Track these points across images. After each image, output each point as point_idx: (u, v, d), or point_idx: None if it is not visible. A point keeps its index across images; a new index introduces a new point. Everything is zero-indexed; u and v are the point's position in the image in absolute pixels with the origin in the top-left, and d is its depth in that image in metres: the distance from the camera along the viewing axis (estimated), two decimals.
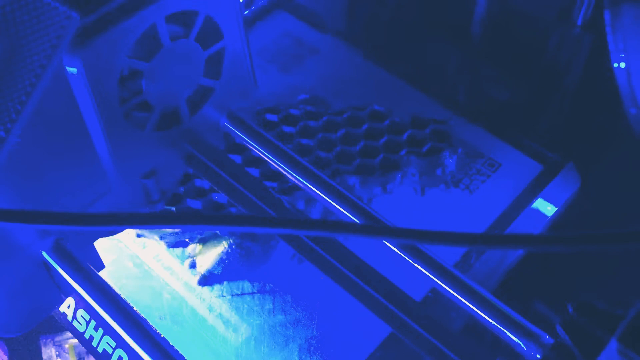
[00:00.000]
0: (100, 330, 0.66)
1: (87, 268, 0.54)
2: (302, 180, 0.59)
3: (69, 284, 0.54)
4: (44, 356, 0.87)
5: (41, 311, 0.59)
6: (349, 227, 0.37)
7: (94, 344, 0.66)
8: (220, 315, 0.67)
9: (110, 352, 0.65)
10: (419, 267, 0.55)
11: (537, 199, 0.74)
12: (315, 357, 0.64)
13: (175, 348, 0.51)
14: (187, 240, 0.72)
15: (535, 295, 0.77)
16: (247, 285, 0.69)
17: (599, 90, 0.50)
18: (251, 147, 0.62)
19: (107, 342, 0.65)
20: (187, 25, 0.55)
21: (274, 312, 0.67)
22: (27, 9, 0.40)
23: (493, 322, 0.51)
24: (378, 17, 0.99)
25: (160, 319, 0.68)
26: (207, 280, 0.69)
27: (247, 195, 0.60)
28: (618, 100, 0.50)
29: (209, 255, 0.70)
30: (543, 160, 0.77)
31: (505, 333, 0.50)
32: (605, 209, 0.76)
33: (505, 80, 0.89)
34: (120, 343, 0.52)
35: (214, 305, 0.68)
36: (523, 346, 0.48)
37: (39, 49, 0.40)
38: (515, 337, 0.49)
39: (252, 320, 0.66)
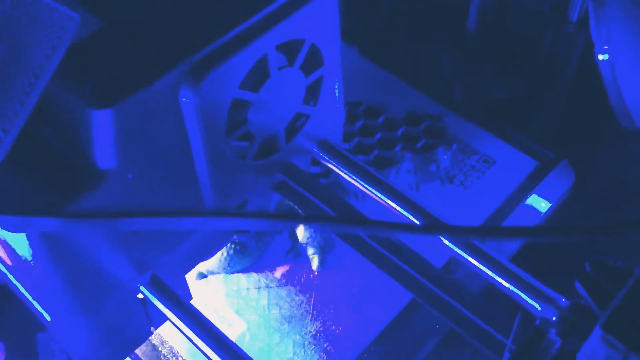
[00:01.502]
0: None
1: (183, 299, 0.54)
2: (402, 212, 0.58)
3: (165, 315, 0.54)
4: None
5: (130, 345, 0.59)
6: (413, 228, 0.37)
7: None
8: (215, 311, 0.67)
9: None
10: (413, 218, 0.56)
11: (531, 195, 0.74)
12: (314, 349, 0.64)
13: None
14: None
15: None
16: (242, 281, 0.69)
17: (593, 87, 0.50)
18: (345, 174, 0.61)
19: None
20: (289, 53, 0.54)
21: (269, 308, 0.67)
22: (27, 10, 0.40)
23: (510, 287, 0.51)
24: (373, 14, 0.99)
25: None
26: (202, 275, 0.69)
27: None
28: None
29: None
30: (537, 156, 0.77)
31: (521, 296, 0.50)
32: (599, 204, 0.77)
33: (500, 77, 0.89)
34: None
35: (209, 301, 0.68)
36: (539, 308, 0.49)
37: (38, 49, 0.39)
38: (532, 299, 0.50)
39: (247, 316, 0.67)
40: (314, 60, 0.56)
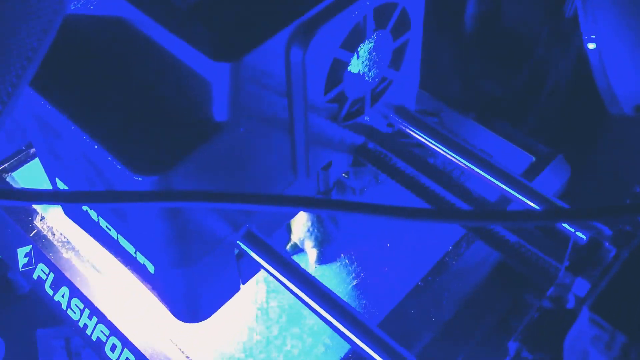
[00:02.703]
0: (94, 319, 0.67)
1: (278, 250, 0.57)
2: (485, 176, 0.61)
3: (256, 268, 0.58)
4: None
5: (220, 299, 0.61)
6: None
7: (88, 332, 0.67)
8: None
9: (104, 340, 0.66)
10: (488, 177, 0.60)
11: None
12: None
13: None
14: None
15: (524, 285, 0.78)
16: None
17: (589, 82, 0.51)
18: (426, 140, 0.64)
19: (101, 331, 0.66)
20: (379, 17, 0.56)
21: (267, 301, 0.67)
22: None
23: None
24: None
25: None
26: None
27: (427, 185, 0.62)
28: None
29: None
30: (533, 151, 0.77)
31: (567, 228, 0.53)
32: (594, 199, 0.77)
33: (497, 74, 0.89)
34: (328, 322, 0.55)
35: None
36: (585, 238, 0.51)
37: (30, 32, 0.40)
38: (578, 231, 0.53)
39: (245, 309, 0.67)
40: (402, 25, 0.59)
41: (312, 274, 0.69)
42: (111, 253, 0.60)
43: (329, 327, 0.65)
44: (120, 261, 0.60)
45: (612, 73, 0.40)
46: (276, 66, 0.50)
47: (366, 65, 0.57)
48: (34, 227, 0.72)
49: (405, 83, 0.64)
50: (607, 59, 0.40)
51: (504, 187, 0.59)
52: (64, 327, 0.89)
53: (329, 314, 0.53)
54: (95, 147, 0.48)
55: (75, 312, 0.67)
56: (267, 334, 0.65)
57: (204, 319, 0.60)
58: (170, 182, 0.46)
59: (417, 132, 0.64)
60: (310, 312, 0.66)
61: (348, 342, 0.53)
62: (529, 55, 0.86)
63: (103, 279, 0.68)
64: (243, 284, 0.61)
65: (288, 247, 0.71)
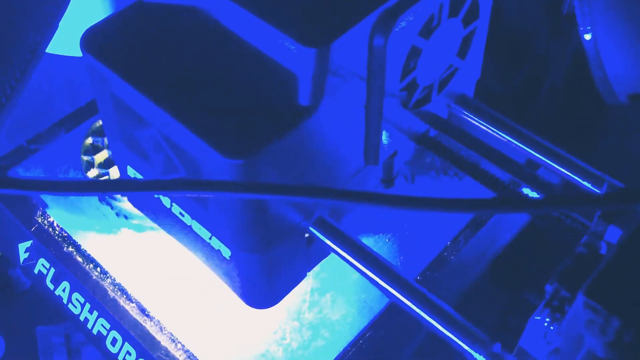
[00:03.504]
0: (95, 313, 0.67)
1: (351, 236, 0.57)
2: (553, 164, 0.62)
3: (325, 254, 0.60)
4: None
5: (288, 286, 0.61)
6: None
7: (89, 326, 0.67)
8: None
9: (104, 334, 0.66)
10: (555, 165, 0.62)
11: (526, 187, 0.75)
12: None
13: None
14: None
15: (524, 283, 0.78)
16: None
17: (587, 78, 0.51)
18: (490, 130, 0.65)
19: (102, 324, 0.67)
20: (452, 5, 0.56)
21: None
22: None
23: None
24: None
25: None
26: None
27: (492, 173, 0.63)
28: None
29: None
30: None
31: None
32: None
33: (496, 72, 0.89)
34: (405, 308, 0.55)
35: None
36: None
37: (33, 27, 0.40)
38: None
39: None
40: (473, 13, 0.59)
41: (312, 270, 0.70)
42: (177, 239, 0.61)
43: (328, 321, 0.65)
44: (188, 247, 0.60)
45: (607, 63, 0.40)
46: (359, 52, 0.51)
47: (437, 52, 0.58)
48: (34, 222, 0.72)
49: (469, 71, 0.65)
50: (603, 49, 0.40)
51: (575, 178, 0.61)
52: (64, 324, 0.89)
53: (406, 298, 0.54)
54: (182, 129, 0.48)
55: (76, 307, 0.67)
56: (266, 327, 0.65)
57: (273, 305, 0.60)
58: (257, 166, 0.47)
59: (478, 121, 0.65)
60: (310, 306, 0.67)
61: (437, 333, 0.53)
62: (528, 52, 0.86)
63: (104, 273, 0.68)
64: (309, 271, 0.62)
65: None
